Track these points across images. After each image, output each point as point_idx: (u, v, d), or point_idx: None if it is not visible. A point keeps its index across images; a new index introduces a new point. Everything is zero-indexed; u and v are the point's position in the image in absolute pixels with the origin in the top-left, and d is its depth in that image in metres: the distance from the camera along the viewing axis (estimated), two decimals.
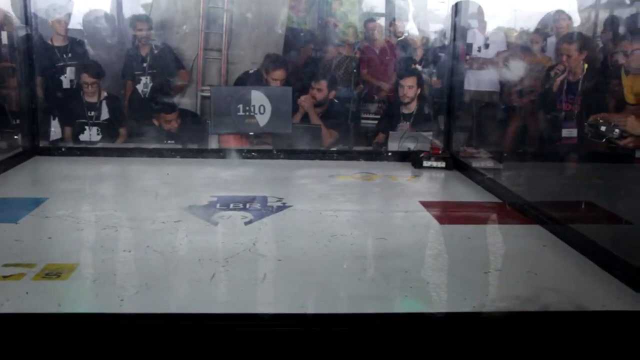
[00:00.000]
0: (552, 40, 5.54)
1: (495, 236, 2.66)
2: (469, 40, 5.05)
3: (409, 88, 4.86)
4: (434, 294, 2.00)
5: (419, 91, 4.90)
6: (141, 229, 2.62)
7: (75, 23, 5.45)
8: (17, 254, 2.21)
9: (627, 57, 3.66)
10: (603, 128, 2.94)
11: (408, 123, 4.85)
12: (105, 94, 4.90)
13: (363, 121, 5.39)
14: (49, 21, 5.13)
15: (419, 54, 5.97)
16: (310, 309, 1.87)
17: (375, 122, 5.30)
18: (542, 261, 2.35)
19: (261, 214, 2.81)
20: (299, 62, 5.61)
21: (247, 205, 2.93)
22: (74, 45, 5.23)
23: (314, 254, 2.32)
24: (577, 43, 4.56)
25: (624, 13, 5.21)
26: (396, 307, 1.93)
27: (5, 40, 4.31)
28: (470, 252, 2.42)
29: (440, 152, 4.02)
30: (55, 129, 4.92)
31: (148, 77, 5.36)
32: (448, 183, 3.81)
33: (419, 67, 5.79)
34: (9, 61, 4.46)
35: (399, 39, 6.20)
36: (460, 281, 2.10)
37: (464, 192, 3.48)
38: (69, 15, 5.37)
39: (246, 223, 2.67)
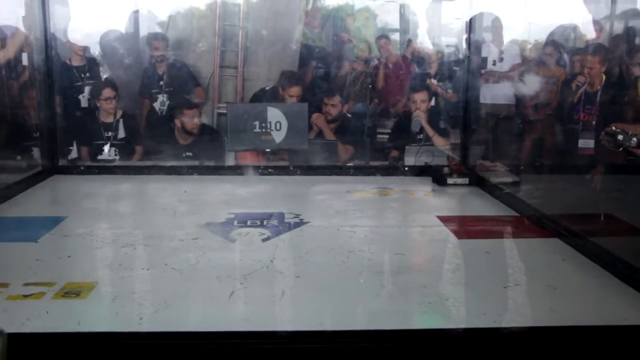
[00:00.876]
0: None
1: (513, 250, 2.63)
2: (483, 54, 5.05)
3: (421, 102, 4.87)
4: (452, 309, 1.99)
5: (430, 104, 4.91)
6: (159, 246, 2.63)
7: (93, 42, 5.53)
8: (37, 273, 2.23)
9: None
10: (620, 137, 2.92)
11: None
12: (121, 112, 4.94)
13: (379, 136, 5.39)
14: (67, 42, 5.21)
15: (434, 68, 5.98)
16: (329, 325, 1.87)
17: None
18: (561, 275, 2.32)
19: (278, 231, 2.81)
20: (307, 79, 5.64)
21: (265, 222, 2.93)
22: (92, 64, 5.31)
23: (332, 270, 2.32)
24: (600, 55, 4.55)
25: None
26: (415, 323, 1.93)
27: (25, 62, 4.37)
28: (489, 267, 2.41)
29: (460, 167, 3.99)
30: (73, 148, 4.98)
31: (165, 95, 5.41)
32: (465, 197, 3.79)
33: (434, 82, 5.81)
34: (29, 81, 4.52)
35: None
36: (479, 296, 2.08)
37: (481, 206, 3.47)
38: (87, 35, 5.46)
39: (264, 240, 2.67)
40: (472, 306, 2.00)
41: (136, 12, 5.80)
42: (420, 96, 4.91)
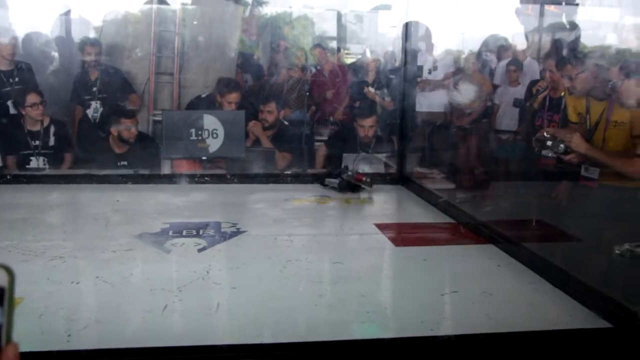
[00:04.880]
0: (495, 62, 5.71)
1: (450, 257, 2.66)
2: (419, 63, 5.13)
3: (369, 128, 4.89)
4: (391, 318, 1.99)
5: (378, 127, 4.93)
6: (90, 258, 2.54)
7: (22, 46, 5.34)
8: None
9: (571, 80, 3.78)
10: (549, 143, 3.01)
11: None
12: (49, 119, 4.75)
13: (317, 144, 5.39)
14: None
15: (371, 76, 6.04)
16: (267, 338, 1.84)
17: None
18: (496, 281, 2.36)
19: (215, 241, 2.76)
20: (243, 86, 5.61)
21: (201, 232, 2.87)
22: (21, 69, 5.11)
23: (269, 280, 2.29)
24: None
25: (567, 37, 5.38)
26: (354, 333, 1.91)
27: None
28: (426, 274, 2.43)
29: (363, 177, 3.73)
30: None
31: (98, 102, 5.27)
32: (402, 204, 3.83)
33: (372, 90, 5.86)
34: None
35: (350, 62, 6.29)
36: (417, 304, 2.09)
37: (418, 213, 3.50)
38: (15, 38, 5.26)
39: (199, 250, 2.62)
40: (410, 315, 2.00)
41: (67, 14, 5.64)
42: (368, 122, 4.92)
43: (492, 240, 2.79)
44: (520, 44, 5.91)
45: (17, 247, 2.64)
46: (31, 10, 5.68)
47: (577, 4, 5.63)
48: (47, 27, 5.79)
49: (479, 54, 5.75)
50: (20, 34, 5.47)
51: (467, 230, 3.03)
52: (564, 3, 5.85)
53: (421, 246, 2.78)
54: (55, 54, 5.62)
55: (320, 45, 6.42)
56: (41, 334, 1.82)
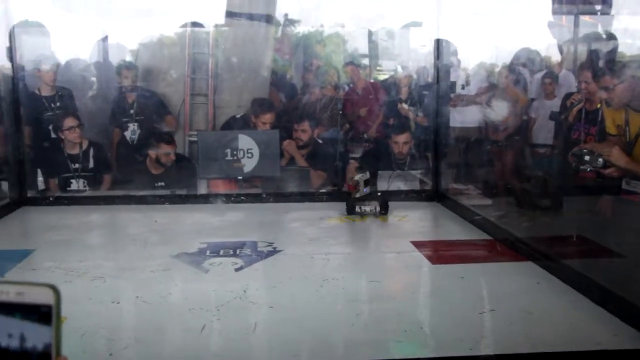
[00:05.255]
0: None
1: (487, 275, 2.63)
2: (452, 78, 5.11)
3: (403, 144, 4.86)
4: (428, 337, 1.98)
5: (412, 143, 4.90)
6: (130, 278, 2.59)
7: (63, 72, 5.47)
8: None
9: (608, 92, 3.71)
10: (587, 157, 2.97)
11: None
12: (87, 142, 4.83)
13: (351, 161, 5.39)
14: (37, 71, 5.14)
15: (404, 93, 6.03)
16: (304, 358, 1.84)
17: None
18: (536, 299, 2.33)
19: (252, 260, 2.78)
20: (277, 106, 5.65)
21: (238, 251, 2.90)
22: (62, 94, 5.24)
23: (306, 300, 2.29)
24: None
25: (604, 47, 5.30)
26: (391, 352, 1.90)
27: None
28: (464, 292, 2.41)
29: (354, 188, 3.61)
30: (41, 179, 4.89)
31: (135, 124, 5.37)
32: (438, 222, 3.80)
33: (405, 106, 5.85)
34: None
35: (384, 79, 6.29)
36: (455, 323, 2.07)
37: (455, 230, 3.48)
38: (57, 65, 5.40)
39: (237, 269, 2.64)
40: (448, 333, 1.98)
41: (104, 39, 5.78)
42: (402, 138, 4.90)
43: (530, 257, 2.75)
44: (554, 55, 5.85)
45: (59, 267, 2.70)
46: (71, 37, 5.83)
47: (612, 14, 5.56)
48: (86, 52, 5.94)
49: (511, 68, 5.70)
50: (61, 60, 5.61)
51: (505, 247, 2.99)
52: (599, 13, 5.79)
53: (458, 264, 2.76)
54: (94, 79, 5.74)
55: (352, 62, 6.44)
56: (83, 354, 1.86)
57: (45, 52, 5.41)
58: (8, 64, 4.24)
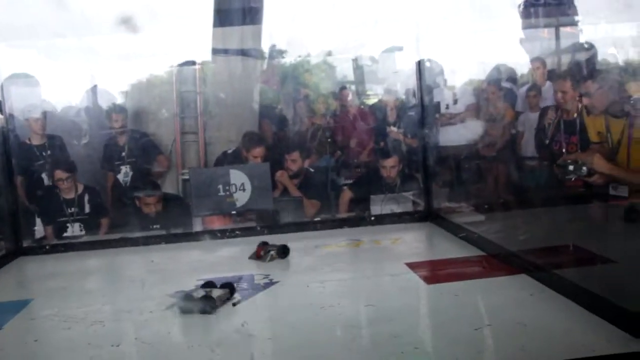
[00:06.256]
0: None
1: (482, 290, 2.66)
2: (437, 98, 5.18)
3: (391, 168, 4.90)
4: (424, 357, 2.00)
5: (400, 167, 4.94)
6: (129, 320, 2.61)
7: (51, 120, 5.52)
8: None
9: (590, 98, 3.79)
10: (571, 167, 3.02)
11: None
12: (82, 186, 4.88)
13: (344, 187, 5.43)
14: (26, 121, 5.20)
15: (392, 116, 6.10)
16: None
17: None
18: (530, 311, 2.35)
19: (249, 293, 2.80)
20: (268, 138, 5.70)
21: (235, 286, 2.91)
22: (52, 142, 5.29)
23: (303, 328, 2.32)
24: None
25: (583, 56, 5.38)
26: None
27: None
28: (459, 310, 2.43)
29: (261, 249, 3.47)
30: (39, 227, 4.92)
31: (128, 166, 5.42)
32: (432, 241, 3.83)
33: (394, 129, 5.91)
34: None
35: (372, 104, 6.37)
36: (450, 340, 2.09)
37: (448, 248, 3.50)
38: (45, 113, 5.45)
39: (234, 304, 2.66)
40: (444, 351, 2.01)
41: (94, 89, 5.85)
42: (389, 162, 4.94)
43: (524, 269, 2.78)
44: (536, 69, 5.92)
45: (58, 314, 2.72)
46: (60, 84, 5.90)
47: (578, 23, 5.65)
48: (76, 98, 6.01)
49: (492, 83, 5.77)
50: (51, 108, 5.68)
51: (498, 261, 3.02)
52: (576, 23, 5.87)
53: (452, 282, 2.79)
54: (85, 126, 5.80)
55: (345, 87, 6.51)
56: None
57: (34, 100, 5.47)
58: None
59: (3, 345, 2.39)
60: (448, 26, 5.28)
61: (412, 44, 5.12)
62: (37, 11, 4.91)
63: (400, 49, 6.32)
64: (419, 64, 4.37)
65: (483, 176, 5.28)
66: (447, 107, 5.59)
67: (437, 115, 5.10)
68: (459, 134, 5.67)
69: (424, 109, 4.41)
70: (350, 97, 6.37)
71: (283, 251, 3.45)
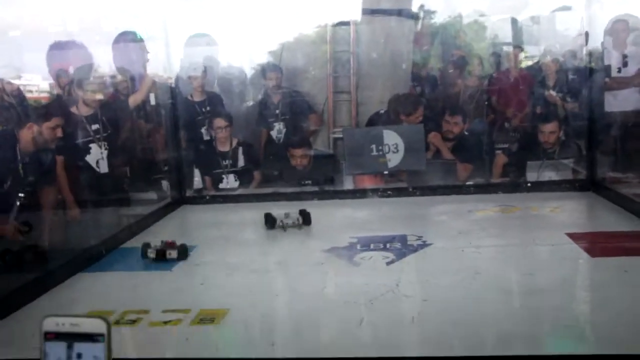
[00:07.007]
0: None
1: None
2: (606, 61, 4.82)
3: (550, 134, 4.63)
4: (591, 333, 1.90)
5: (561, 133, 4.65)
6: (286, 272, 2.70)
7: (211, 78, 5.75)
8: (174, 300, 2.34)
9: None
10: None
11: None
12: (236, 141, 5.09)
13: (498, 152, 5.23)
14: (188, 78, 5.46)
15: (552, 79, 5.76)
16: (458, 351, 1.84)
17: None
18: None
19: (402, 254, 2.80)
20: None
21: (388, 245, 2.93)
22: (212, 99, 5.53)
23: (458, 293, 2.28)
24: None
25: None
26: (549, 348, 1.85)
27: (153, 102, 4.63)
28: (628, 287, 2.27)
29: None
30: (197, 179, 5.20)
31: (281, 123, 5.56)
32: (595, 212, 3.62)
33: (553, 93, 5.59)
34: (156, 119, 4.80)
35: (529, 65, 6.05)
36: (621, 320, 1.95)
37: (613, 221, 3.28)
38: (205, 72, 5.69)
39: (388, 263, 2.67)
40: (614, 330, 1.88)
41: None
42: (549, 127, 4.67)
43: None
44: None
45: (220, 262, 2.87)
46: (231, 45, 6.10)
47: None
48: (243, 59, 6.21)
49: None
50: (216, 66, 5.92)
51: None
52: None
53: (621, 256, 2.61)
54: (242, 83, 6.00)
55: (519, 46, 6.20)
56: (248, 343, 1.97)
57: (196, 59, 5.71)
58: (166, 74, 4.57)
59: (174, 285, 2.57)
60: None
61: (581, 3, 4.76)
62: None
63: (568, 8, 5.91)
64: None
65: None
66: (619, 70, 5.17)
67: (606, 80, 4.75)
68: (627, 100, 5.25)
69: (591, 72, 4.13)
70: (520, 57, 6.05)
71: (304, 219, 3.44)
